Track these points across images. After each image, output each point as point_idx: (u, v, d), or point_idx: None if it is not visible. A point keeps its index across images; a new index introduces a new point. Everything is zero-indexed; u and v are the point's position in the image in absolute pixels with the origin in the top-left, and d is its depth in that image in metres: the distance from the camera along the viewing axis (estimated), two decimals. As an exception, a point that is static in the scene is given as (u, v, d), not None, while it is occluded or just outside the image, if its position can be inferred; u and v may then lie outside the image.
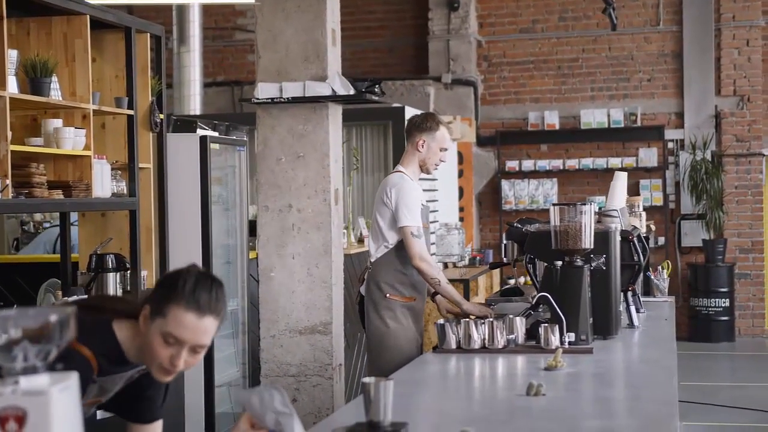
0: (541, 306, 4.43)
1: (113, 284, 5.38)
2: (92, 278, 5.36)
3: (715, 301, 12.10)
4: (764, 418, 8.17)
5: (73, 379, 1.79)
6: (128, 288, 5.56)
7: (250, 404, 2.50)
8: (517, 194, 12.83)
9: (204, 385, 6.21)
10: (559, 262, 4.39)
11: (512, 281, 12.36)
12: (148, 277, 5.81)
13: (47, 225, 8.83)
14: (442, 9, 12.90)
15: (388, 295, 5.16)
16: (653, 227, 8.59)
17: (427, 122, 5.27)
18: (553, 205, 4.45)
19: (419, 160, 5.26)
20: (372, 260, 5.28)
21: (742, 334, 12.40)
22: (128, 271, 5.53)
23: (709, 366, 10.94)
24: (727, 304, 12.12)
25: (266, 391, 2.50)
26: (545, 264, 4.55)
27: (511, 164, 12.83)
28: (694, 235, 12.46)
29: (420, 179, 9.10)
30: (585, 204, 4.41)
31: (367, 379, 2.74)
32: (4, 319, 1.75)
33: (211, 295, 2.56)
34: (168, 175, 6.03)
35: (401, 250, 5.15)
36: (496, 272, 11.21)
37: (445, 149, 5.29)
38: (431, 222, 6.23)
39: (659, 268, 6.46)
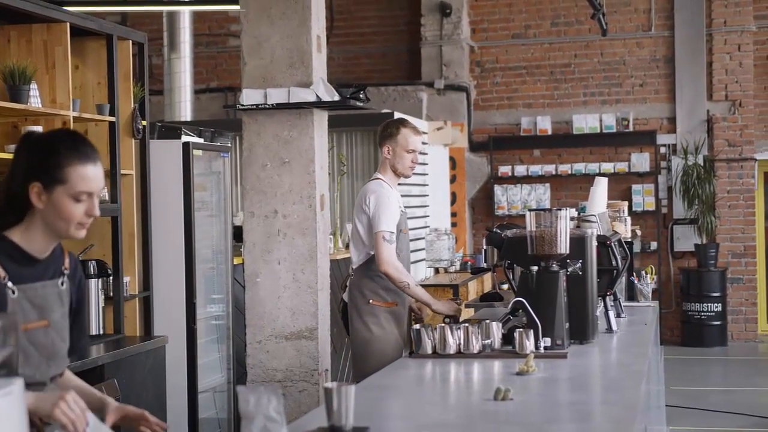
0: (519, 311, 4.44)
1: (95, 290, 5.40)
2: (74, 284, 5.38)
3: (708, 306, 12.11)
4: (754, 423, 8.19)
5: (17, 384, 1.81)
6: (111, 294, 5.57)
7: (245, 401, 2.52)
8: (510, 199, 12.85)
9: (187, 390, 6.22)
10: (535, 267, 4.41)
11: (505, 286, 12.38)
12: (131, 283, 5.82)
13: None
14: (434, 15, 12.93)
15: (371, 301, 5.25)
16: (639, 232, 8.60)
17: (387, 129, 5.40)
18: (530, 210, 4.47)
19: (391, 166, 5.36)
20: (354, 267, 5.36)
21: (735, 339, 12.41)
22: (110, 278, 5.54)
23: (701, 370, 10.95)
24: (720, 308, 12.13)
25: (266, 393, 2.53)
26: (522, 269, 4.57)
27: (504, 169, 12.85)
28: (686, 239, 12.47)
29: (409, 184, 9.13)
30: (561, 209, 4.43)
31: (328, 385, 2.77)
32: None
33: (87, 144, 2.72)
34: (151, 182, 6.05)
35: None
36: (488, 277, 11.23)
37: (413, 151, 5.36)
38: (413, 228, 6.26)
39: (643, 273, 6.47)
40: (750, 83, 12.44)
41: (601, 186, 5.51)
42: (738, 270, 12.46)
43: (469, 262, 10.87)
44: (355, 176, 9.90)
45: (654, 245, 12.45)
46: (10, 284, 2.62)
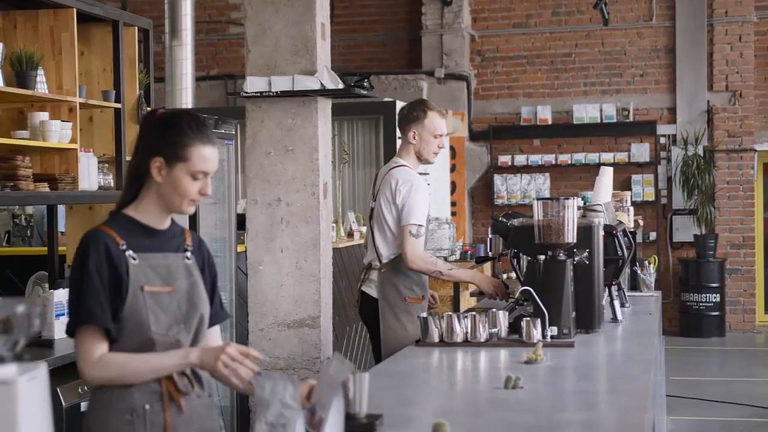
0: (525, 300, 4.44)
1: (100, 277, 5.38)
2: (79, 271, 5.36)
3: (706, 296, 12.13)
4: (753, 413, 8.21)
5: (40, 370, 1.81)
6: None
7: (261, 388, 2.54)
8: (509, 189, 12.86)
9: (191, 377, 6.21)
10: (542, 257, 4.41)
11: (505, 276, 12.39)
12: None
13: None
14: (435, 3, 12.91)
15: (407, 298, 5.05)
16: (641, 222, 8.59)
17: (413, 112, 5.16)
18: (537, 199, 4.47)
19: (415, 152, 5.16)
20: (383, 260, 5.11)
21: (733, 330, 12.44)
22: (115, 264, 5.53)
23: (699, 361, 10.97)
24: (718, 299, 12.15)
25: (282, 380, 2.55)
26: (528, 258, 4.57)
27: (504, 159, 12.86)
28: (685, 230, 12.49)
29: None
30: (568, 199, 4.43)
31: (342, 372, 2.76)
32: (-29, 310, 1.77)
33: (208, 126, 2.88)
34: (156, 169, 6.04)
35: None
36: (488, 266, 11.24)
37: (440, 135, 5.14)
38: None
39: (646, 263, 6.48)
40: (750, 74, 12.44)
41: (607, 176, 5.51)
42: (737, 261, 12.49)
43: (470, 252, 10.89)
44: (356, 165, 9.89)
45: (653, 235, 12.46)
46: (130, 252, 2.78)
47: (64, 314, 4.79)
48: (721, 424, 7.90)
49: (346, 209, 9.04)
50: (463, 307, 9.00)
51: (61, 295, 5.10)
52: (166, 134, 2.81)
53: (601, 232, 4.69)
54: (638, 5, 12.72)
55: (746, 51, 12.45)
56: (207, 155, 2.80)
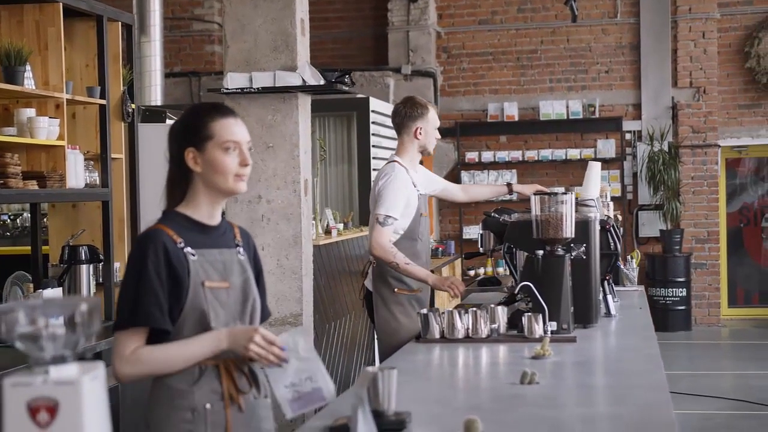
0: (519, 295, 4.43)
1: (86, 276, 5.31)
2: (65, 270, 5.28)
3: (672, 291, 12.24)
4: (723, 405, 8.30)
5: (100, 369, 1.77)
6: (101, 280, 5.49)
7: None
8: (476, 185, 12.87)
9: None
10: (541, 252, 4.40)
11: (472, 272, 12.42)
12: (122, 268, 5.73)
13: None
14: (401, 0, 12.89)
15: (396, 290, 5.11)
16: (620, 217, 8.65)
17: (417, 109, 5.24)
18: (535, 194, 4.46)
19: (419, 147, 5.25)
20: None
21: (699, 324, 12.56)
22: (101, 263, 5.45)
23: (667, 355, 10.99)
24: (684, 293, 12.27)
25: (290, 338, 2.56)
26: (526, 254, 4.56)
27: (471, 155, 12.87)
28: (651, 225, 12.59)
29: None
30: (566, 193, 4.43)
31: (371, 368, 2.74)
32: (32, 309, 1.73)
33: (225, 105, 2.92)
34: (139, 166, 5.97)
35: (405, 242, 5.07)
36: (458, 263, 11.26)
37: (437, 126, 5.34)
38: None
39: (628, 257, 6.51)
40: (714, 70, 12.56)
41: (595, 170, 5.51)
42: (702, 255, 12.61)
43: (440, 249, 10.90)
44: (330, 162, 9.84)
45: (620, 231, 12.53)
46: (188, 249, 2.78)
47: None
48: (700, 417, 7.97)
49: (322, 206, 8.99)
50: (437, 304, 8.99)
51: (50, 295, 5.02)
52: (187, 126, 2.84)
53: (597, 227, 4.70)
54: (603, 2, 12.79)
55: (710, 48, 12.57)
56: (229, 125, 2.81)
